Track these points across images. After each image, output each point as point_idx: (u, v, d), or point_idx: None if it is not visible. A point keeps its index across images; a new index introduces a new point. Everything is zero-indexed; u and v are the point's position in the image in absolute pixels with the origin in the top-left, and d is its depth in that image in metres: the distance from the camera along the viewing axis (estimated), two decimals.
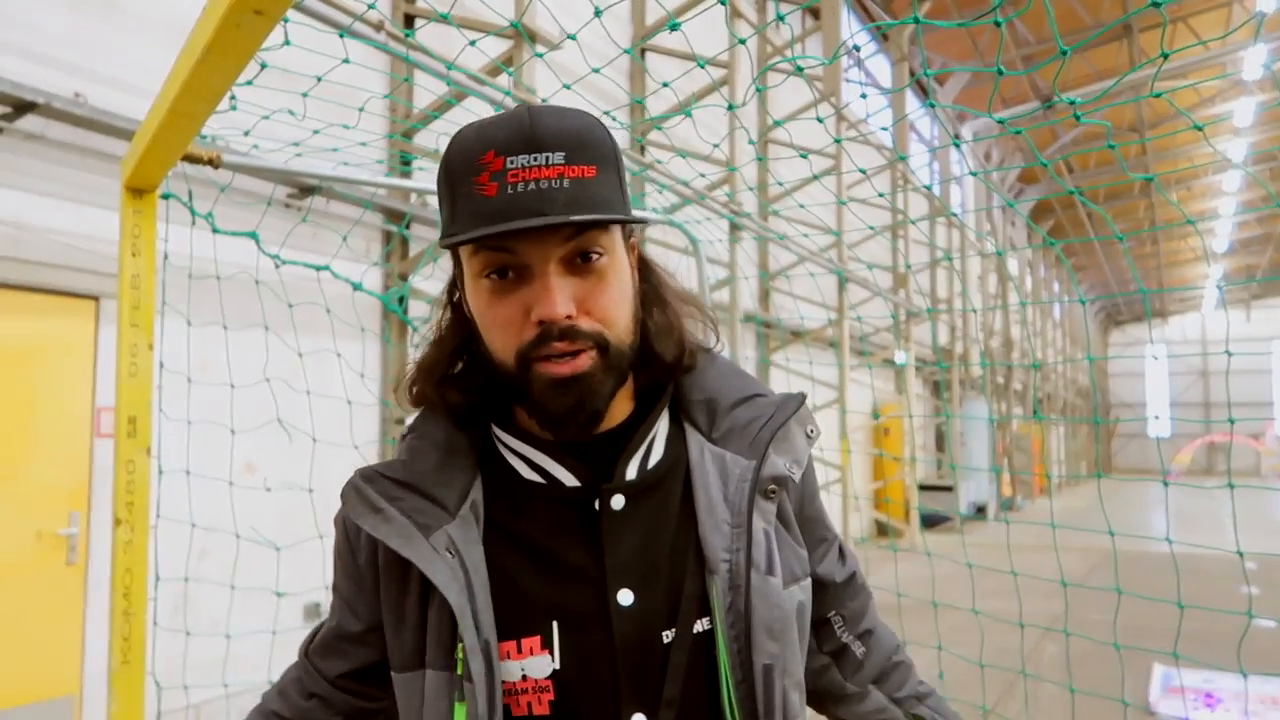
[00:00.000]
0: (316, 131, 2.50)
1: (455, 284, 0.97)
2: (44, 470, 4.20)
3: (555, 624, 0.88)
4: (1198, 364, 39.07)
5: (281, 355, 3.73)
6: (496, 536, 0.91)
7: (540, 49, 4.86)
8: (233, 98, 2.04)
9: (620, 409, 0.95)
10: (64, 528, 4.23)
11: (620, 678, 0.87)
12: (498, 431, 0.97)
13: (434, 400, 0.96)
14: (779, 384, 10.82)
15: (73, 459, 4.31)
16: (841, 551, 1.09)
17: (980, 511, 17.08)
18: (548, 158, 0.81)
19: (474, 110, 4.79)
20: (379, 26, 3.22)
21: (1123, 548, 3.07)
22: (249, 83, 1.57)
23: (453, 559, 0.86)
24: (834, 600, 1.06)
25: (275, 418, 3.06)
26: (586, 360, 0.85)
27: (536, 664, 0.87)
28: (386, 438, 5.64)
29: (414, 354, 1.01)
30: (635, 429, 0.95)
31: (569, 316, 0.84)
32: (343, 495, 0.94)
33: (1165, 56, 1.20)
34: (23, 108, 3.99)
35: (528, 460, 0.94)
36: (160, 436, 2.03)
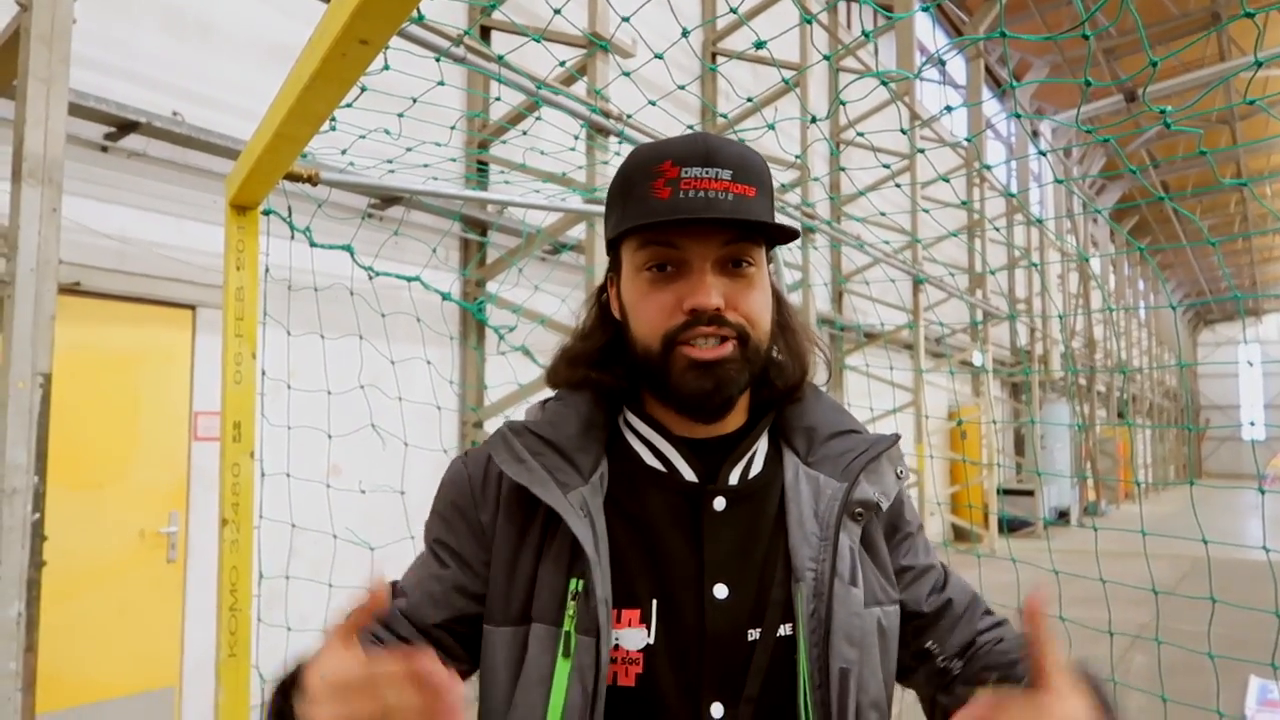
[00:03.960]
0: (410, 149, 2.59)
1: (604, 286, 1.08)
2: (146, 471, 4.42)
3: (655, 602, 0.93)
4: None
5: (372, 362, 3.86)
6: (613, 511, 0.96)
7: (619, 62, 4.92)
8: (333, 119, 2.13)
9: (735, 418, 1.02)
10: (165, 526, 4.44)
11: (705, 665, 0.91)
12: (629, 416, 1.04)
13: (578, 380, 1.04)
14: (853, 387, 10.72)
15: (172, 461, 4.52)
16: (943, 582, 1.11)
17: (1062, 516, 16.62)
18: (717, 172, 0.92)
19: (550, 120, 4.88)
20: (459, 41, 3.31)
21: (1217, 555, 2.98)
22: (349, 105, 1.65)
23: (585, 518, 0.92)
24: (930, 630, 1.08)
25: (369, 423, 3.17)
26: (729, 347, 0.94)
27: (632, 636, 0.91)
28: (467, 440, 5.77)
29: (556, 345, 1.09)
30: (743, 439, 1.02)
31: (718, 308, 0.93)
32: (490, 443, 1.00)
33: (1259, 64, 1.18)
34: (126, 127, 4.21)
35: (653, 448, 1.01)
36: (261, 441, 2.13)
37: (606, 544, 0.92)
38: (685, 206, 0.91)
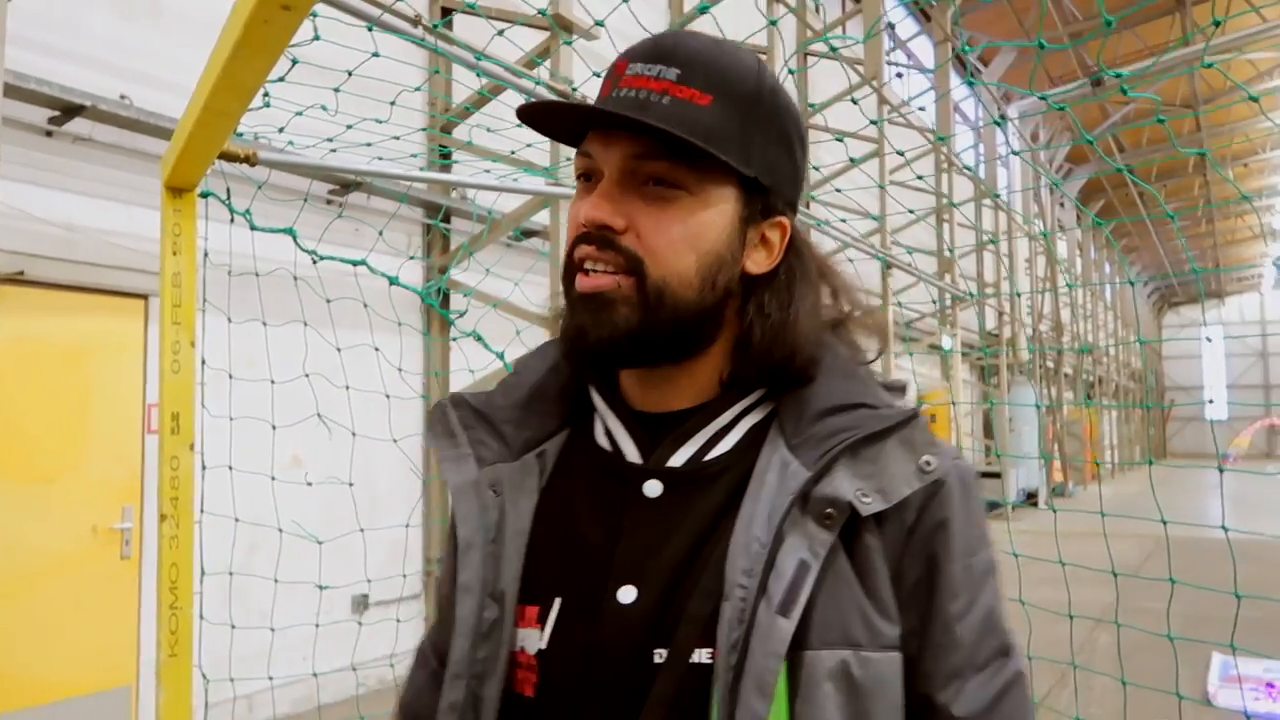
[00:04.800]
0: (350, 126, 2.51)
1: None
2: (98, 466, 4.30)
3: (558, 601, 0.78)
4: (1257, 345, 38.08)
5: (321, 351, 3.76)
6: (552, 496, 0.83)
7: (572, 38, 4.84)
8: (266, 94, 2.05)
9: (699, 387, 0.83)
10: (118, 522, 4.33)
11: (590, 683, 0.74)
12: (591, 388, 0.88)
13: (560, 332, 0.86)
14: None
15: (125, 455, 4.40)
16: (1001, 691, 0.76)
17: (1031, 498, 16.80)
18: (660, 70, 0.75)
19: (512, 104, 4.79)
20: (416, 21, 3.22)
21: (1180, 534, 2.99)
22: (281, 79, 1.57)
23: (494, 498, 0.81)
24: None
25: (315, 413, 3.08)
26: (610, 280, 0.75)
27: (529, 637, 0.78)
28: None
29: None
30: (698, 412, 0.82)
31: (606, 225, 0.75)
32: (429, 415, 0.89)
33: (1218, 24, 1.14)
34: (71, 111, 4.07)
35: (605, 424, 0.85)
36: (203, 433, 2.05)
37: (524, 529, 0.81)
38: (608, 107, 0.74)
